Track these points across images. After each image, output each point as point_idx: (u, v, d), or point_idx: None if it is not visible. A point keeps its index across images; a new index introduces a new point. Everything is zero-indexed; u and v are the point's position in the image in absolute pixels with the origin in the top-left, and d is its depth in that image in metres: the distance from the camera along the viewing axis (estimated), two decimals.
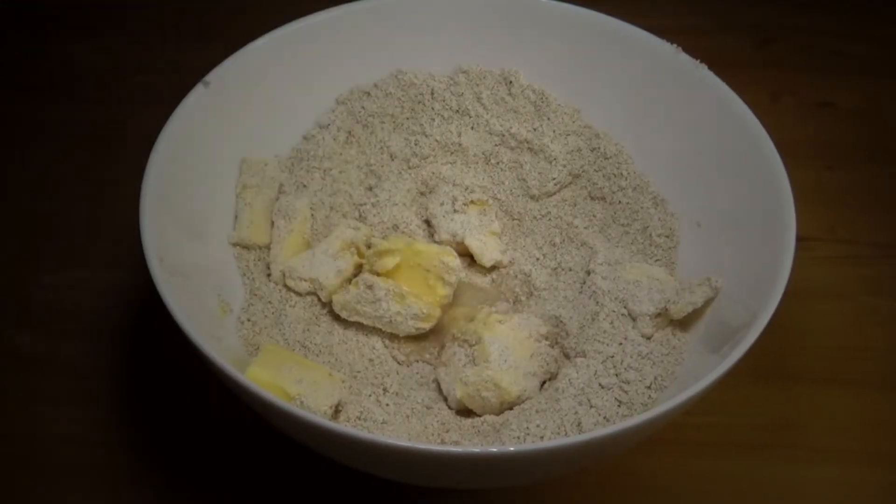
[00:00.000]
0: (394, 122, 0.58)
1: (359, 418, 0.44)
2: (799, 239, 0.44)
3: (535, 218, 0.57)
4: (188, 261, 0.47)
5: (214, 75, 0.52)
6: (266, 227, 0.53)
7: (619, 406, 0.45)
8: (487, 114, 0.57)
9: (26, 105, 0.70)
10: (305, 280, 0.51)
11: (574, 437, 0.39)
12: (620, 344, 0.47)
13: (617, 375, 0.46)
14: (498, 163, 0.58)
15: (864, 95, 0.72)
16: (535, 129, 0.57)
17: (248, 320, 0.50)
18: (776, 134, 0.49)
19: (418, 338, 0.51)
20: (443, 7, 0.57)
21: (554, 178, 0.56)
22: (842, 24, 0.78)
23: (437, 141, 0.57)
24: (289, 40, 0.55)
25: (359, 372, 0.49)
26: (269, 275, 0.52)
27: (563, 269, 0.54)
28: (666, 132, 0.54)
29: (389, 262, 0.50)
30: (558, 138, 0.57)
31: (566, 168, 0.56)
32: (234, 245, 0.52)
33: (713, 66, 0.52)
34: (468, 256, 0.55)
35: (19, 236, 0.61)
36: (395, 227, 0.55)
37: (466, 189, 0.57)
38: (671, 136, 0.54)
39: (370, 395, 0.46)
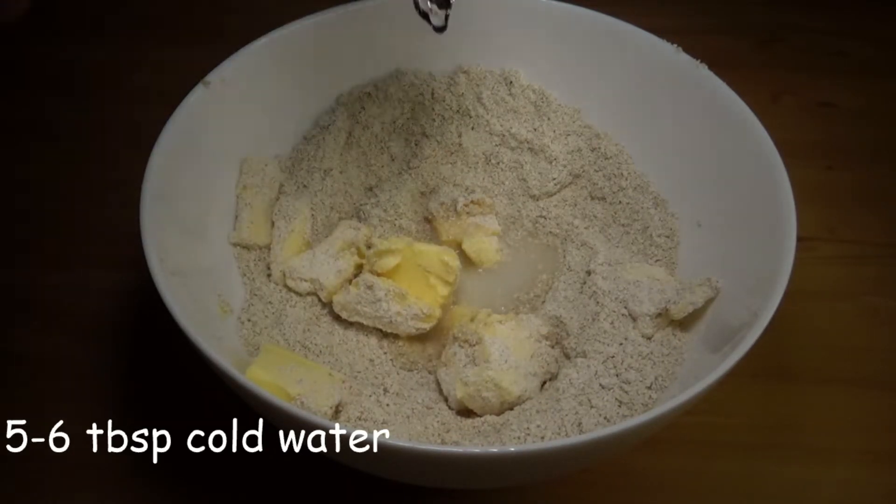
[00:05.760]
0: (394, 122, 0.58)
1: (359, 418, 0.44)
2: (799, 239, 0.44)
3: (535, 218, 0.57)
4: (188, 261, 0.47)
5: (214, 75, 0.52)
6: (266, 227, 0.53)
7: (619, 406, 0.45)
8: (488, 114, 0.57)
9: (27, 105, 0.70)
10: (306, 280, 0.51)
11: (574, 438, 0.39)
12: (621, 344, 0.47)
13: (617, 375, 0.46)
14: (498, 163, 0.58)
15: (865, 95, 0.72)
16: (535, 130, 0.57)
17: (249, 320, 0.50)
18: (776, 134, 0.49)
19: (419, 338, 0.51)
20: None
21: (554, 179, 0.56)
22: (842, 24, 0.78)
23: (437, 141, 0.57)
24: (289, 40, 0.55)
25: (359, 372, 0.49)
26: (269, 275, 0.52)
27: (563, 270, 0.54)
28: (666, 132, 0.54)
29: (390, 263, 0.50)
30: (559, 138, 0.57)
31: (566, 168, 0.57)
32: (235, 245, 0.52)
33: (713, 66, 0.52)
34: (468, 256, 0.55)
35: (19, 236, 0.61)
36: (396, 228, 0.55)
37: (466, 189, 0.57)
38: (671, 136, 0.54)
39: (370, 396, 0.46)
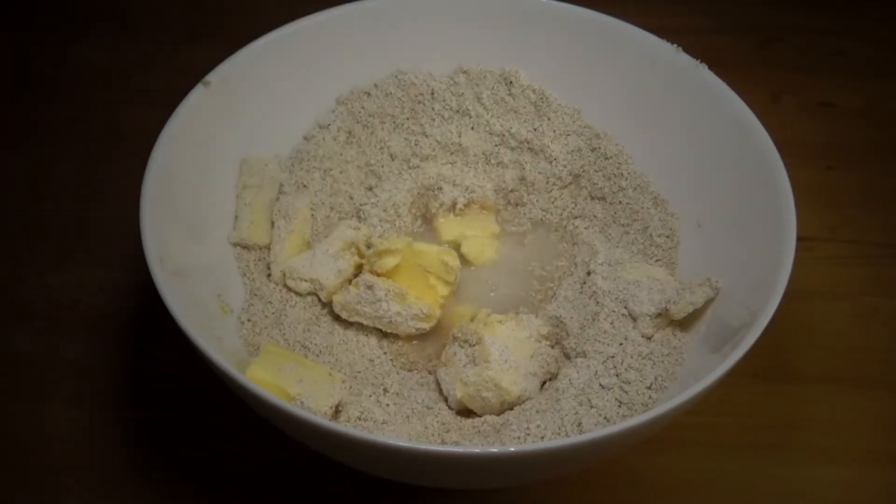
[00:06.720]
0: (394, 122, 0.58)
1: (359, 418, 0.44)
2: (799, 239, 0.44)
3: (534, 218, 0.57)
4: (188, 261, 0.47)
5: (214, 75, 0.51)
6: (266, 227, 0.53)
7: (619, 406, 0.45)
8: (487, 114, 0.57)
9: (26, 105, 0.70)
10: (306, 280, 0.51)
11: (574, 438, 0.39)
12: (621, 344, 0.47)
13: (617, 376, 0.46)
14: (498, 163, 0.58)
15: (865, 95, 0.72)
16: (535, 129, 0.57)
17: (249, 320, 0.50)
18: (776, 134, 0.49)
19: (419, 338, 0.51)
20: (443, 7, 0.57)
21: (554, 178, 0.56)
22: (842, 24, 0.78)
23: (437, 141, 0.57)
24: (289, 40, 0.55)
25: (359, 372, 0.49)
26: (269, 275, 0.52)
27: (563, 270, 0.54)
28: (666, 132, 0.54)
29: (389, 263, 0.50)
30: (559, 138, 0.57)
31: (566, 168, 0.57)
32: (235, 245, 0.52)
33: (713, 66, 0.52)
34: (468, 256, 0.55)
35: (19, 236, 0.61)
36: (396, 228, 0.55)
37: (466, 189, 0.57)
38: (671, 136, 0.54)
39: (370, 396, 0.46)
